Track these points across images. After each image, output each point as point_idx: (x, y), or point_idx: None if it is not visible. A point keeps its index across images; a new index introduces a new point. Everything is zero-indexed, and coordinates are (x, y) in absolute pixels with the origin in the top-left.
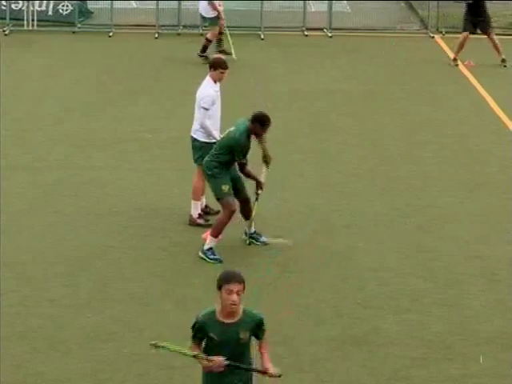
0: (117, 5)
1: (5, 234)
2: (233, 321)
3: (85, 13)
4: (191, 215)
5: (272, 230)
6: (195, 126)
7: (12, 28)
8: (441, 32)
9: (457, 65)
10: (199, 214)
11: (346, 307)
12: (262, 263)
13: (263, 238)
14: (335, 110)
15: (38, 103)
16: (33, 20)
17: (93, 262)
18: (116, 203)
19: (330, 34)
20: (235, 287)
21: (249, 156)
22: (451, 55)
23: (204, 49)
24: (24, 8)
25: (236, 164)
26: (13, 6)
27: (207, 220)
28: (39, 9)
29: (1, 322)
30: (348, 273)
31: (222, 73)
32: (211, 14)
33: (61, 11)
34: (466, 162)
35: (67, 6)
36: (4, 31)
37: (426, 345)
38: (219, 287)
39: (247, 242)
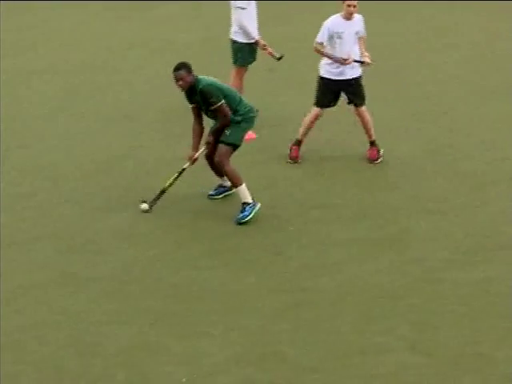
0: None
1: (27, 137)
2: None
3: None
4: None
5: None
6: (234, 28)
7: None
8: None
9: None
10: None
11: (373, 209)
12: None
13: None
14: None
15: (60, 4)
16: None
17: (117, 164)
18: (138, 105)
19: None
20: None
21: None
22: None
23: None
24: None
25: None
26: None
27: None
28: None
29: (30, 223)
30: (375, 175)
31: None
32: None
33: None
34: (481, 67)
35: None
36: None
37: (453, 247)
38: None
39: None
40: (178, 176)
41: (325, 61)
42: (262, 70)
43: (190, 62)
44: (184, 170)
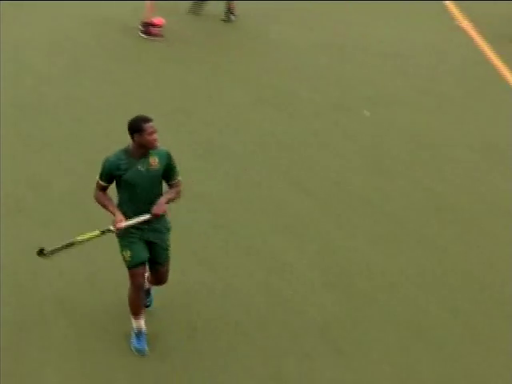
0: None
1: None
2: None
3: None
4: None
5: None
6: None
7: None
8: None
9: None
10: None
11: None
12: None
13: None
14: None
15: None
16: None
17: (65, 45)
18: None
19: None
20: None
21: None
22: None
23: None
24: None
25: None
26: None
27: None
28: None
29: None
30: None
31: None
32: None
33: None
34: None
35: None
36: None
37: None
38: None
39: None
40: (98, 236)
41: None
42: None
43: None
44: (109, 231)
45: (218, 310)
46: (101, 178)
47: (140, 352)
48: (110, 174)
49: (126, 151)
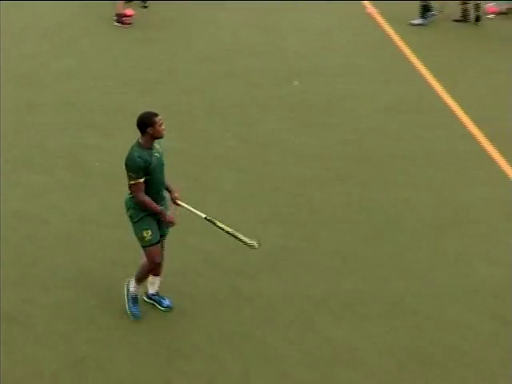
0: None
1: None
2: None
3: None
4: None
5: None
6: None
7: None
8: None
9: None
10: None
11: None
12: None
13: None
14: None
15: None
16: None
17: (58, 32)
18: None
19: None
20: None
21: None
22: None
23: None
24: None
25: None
26: None
27: None
28: None
29: None
30: None
31: None
32: None
33: None
34: None
35: None
36: None
37: None
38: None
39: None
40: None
41: None
42: None
43: None
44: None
45: (192, 242)
46: (137, 177)
47: (136, 317)
48: (143, 168)
49: (139, 145)
